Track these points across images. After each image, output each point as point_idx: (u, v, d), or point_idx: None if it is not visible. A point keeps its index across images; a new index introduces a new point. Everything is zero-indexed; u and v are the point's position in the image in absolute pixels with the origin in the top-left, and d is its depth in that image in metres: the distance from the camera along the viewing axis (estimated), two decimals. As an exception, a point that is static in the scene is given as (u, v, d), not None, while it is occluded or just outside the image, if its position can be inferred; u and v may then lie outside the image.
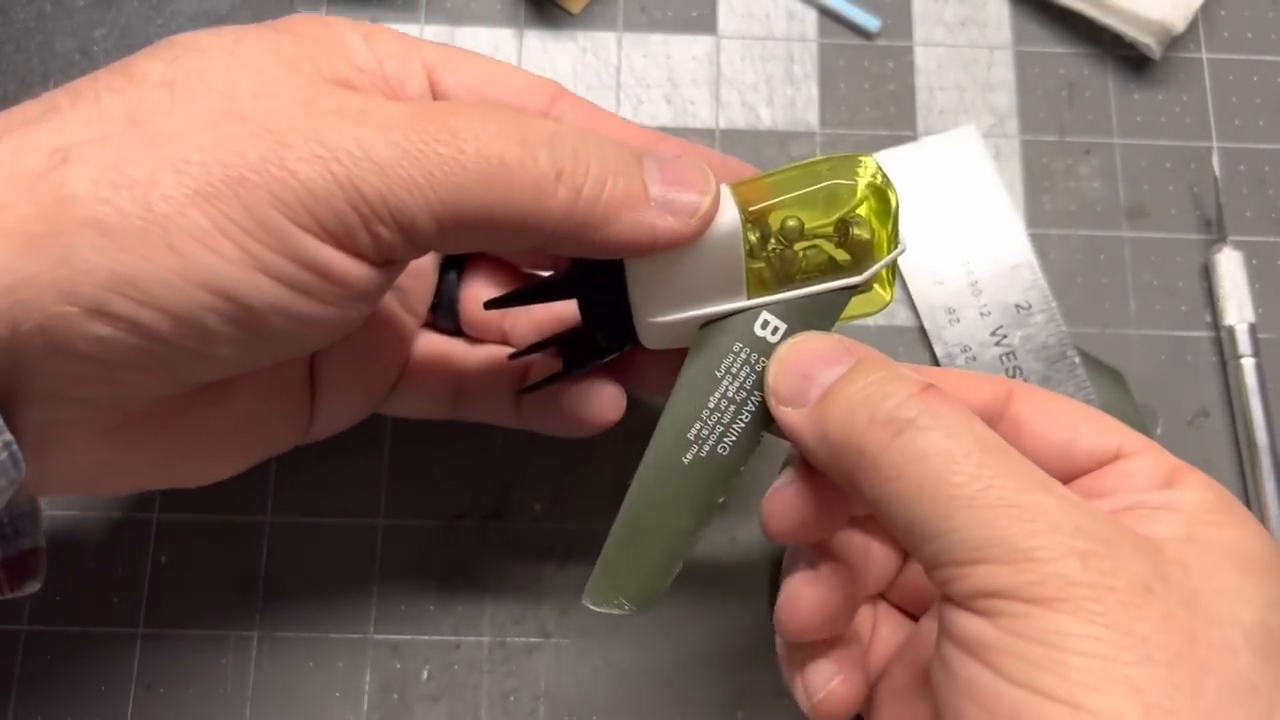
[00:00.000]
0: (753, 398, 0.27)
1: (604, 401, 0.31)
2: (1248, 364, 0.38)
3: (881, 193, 0.27)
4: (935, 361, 0.38)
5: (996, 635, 0.21)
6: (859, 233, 0.26)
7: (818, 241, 0.27)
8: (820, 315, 0.27)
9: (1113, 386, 0.38)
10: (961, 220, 0.39)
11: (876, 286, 0.27)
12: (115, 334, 0.22)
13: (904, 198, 0.39)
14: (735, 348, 0.27)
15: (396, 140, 0.23)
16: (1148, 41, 0.41)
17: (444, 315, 0.34)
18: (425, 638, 0.35)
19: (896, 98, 0.41)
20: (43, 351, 0.22)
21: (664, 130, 0.38)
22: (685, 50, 0.42)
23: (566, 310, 0.30)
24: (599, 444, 0.34)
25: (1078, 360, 0.37)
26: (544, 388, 0.31)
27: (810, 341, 0.26)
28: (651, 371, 0.31)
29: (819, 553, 0.28)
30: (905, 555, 0.31)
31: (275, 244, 0.23)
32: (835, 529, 0.27)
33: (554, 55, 0.41)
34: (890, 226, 0.27)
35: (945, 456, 0.22)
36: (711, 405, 0.27)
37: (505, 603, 0.36)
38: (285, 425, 0.30)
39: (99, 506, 0.36)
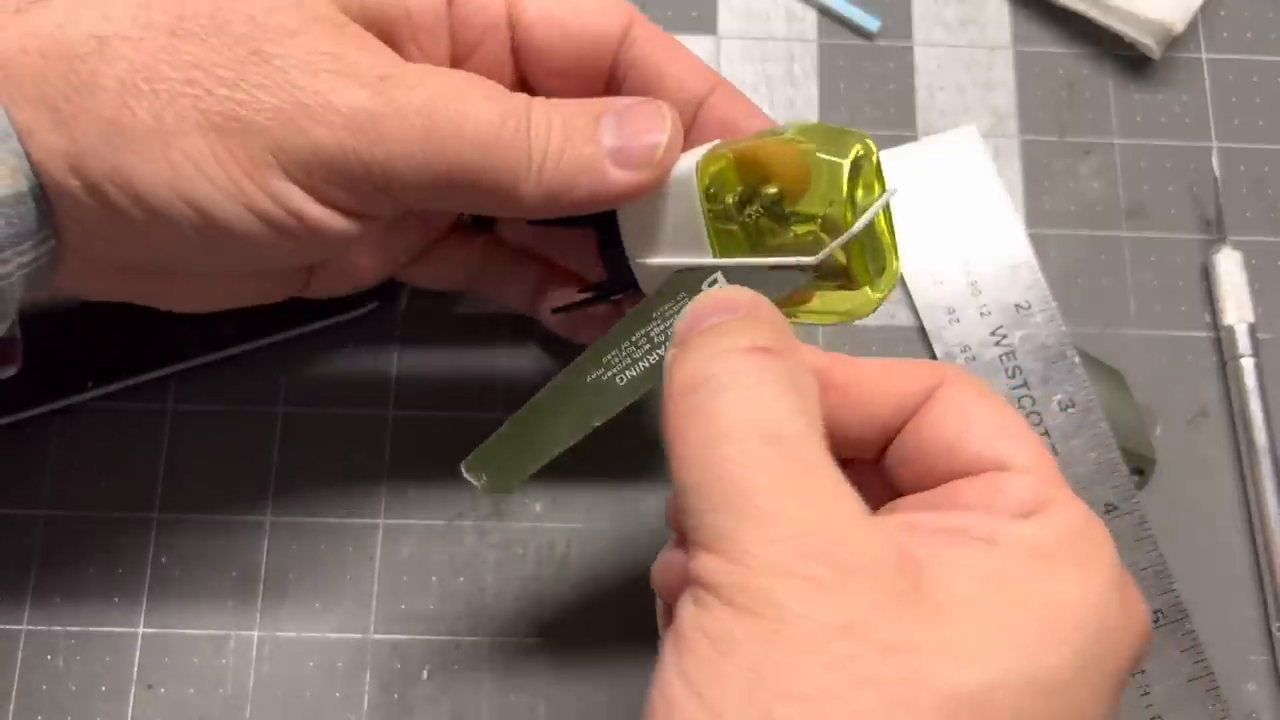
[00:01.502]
0: (667, 344, 0.27)
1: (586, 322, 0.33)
2: (1247, 364, 0.38)
3: (855, 175, 0.26)
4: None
5: (688, 626, 0.20)
6: (833, 213, 0.26)
7: (812, 224, 0.26)
8: (769, 289, 0.26)
9: (1112, 386, 0.38)
10: (961, 220, 0.39)
11: (867, 289, 0.26)
12: (102, 211, 0.24)
13: (904, 198, 0.40)
14: (680, 296, 0.27)
15: (412, 120, 0.25)
16: (1147, 41, 0.41)
17: (480, 220, 0.35)
18: (425, 638, 0.35)
19: (896, 98, 0.41)
20: (44, 200, 0.24)
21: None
22: (685, 50, 0.42)
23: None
24: (600, 444, 0.34)
25: (1077, 360, 0.37)
26: (572, 310, 0.33)
27: (721, 291, 0.26)
28: None
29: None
30: None
31: (264, 186, 0.24)
32: None
33: (554, 55, 0.41)
34: (852, 212, 0.26)
35: (725, 427, 0.21)
36: (633, 339, 0.28)
37: (505, 603, 0.36)
38: (273, 291, 0.31)
39: (99, 506, 0.36)
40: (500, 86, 0.26)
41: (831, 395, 0.25)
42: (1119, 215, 0.40)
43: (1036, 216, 0.40)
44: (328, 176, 0.25)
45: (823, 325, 0.28)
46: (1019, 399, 0.37)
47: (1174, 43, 0.41)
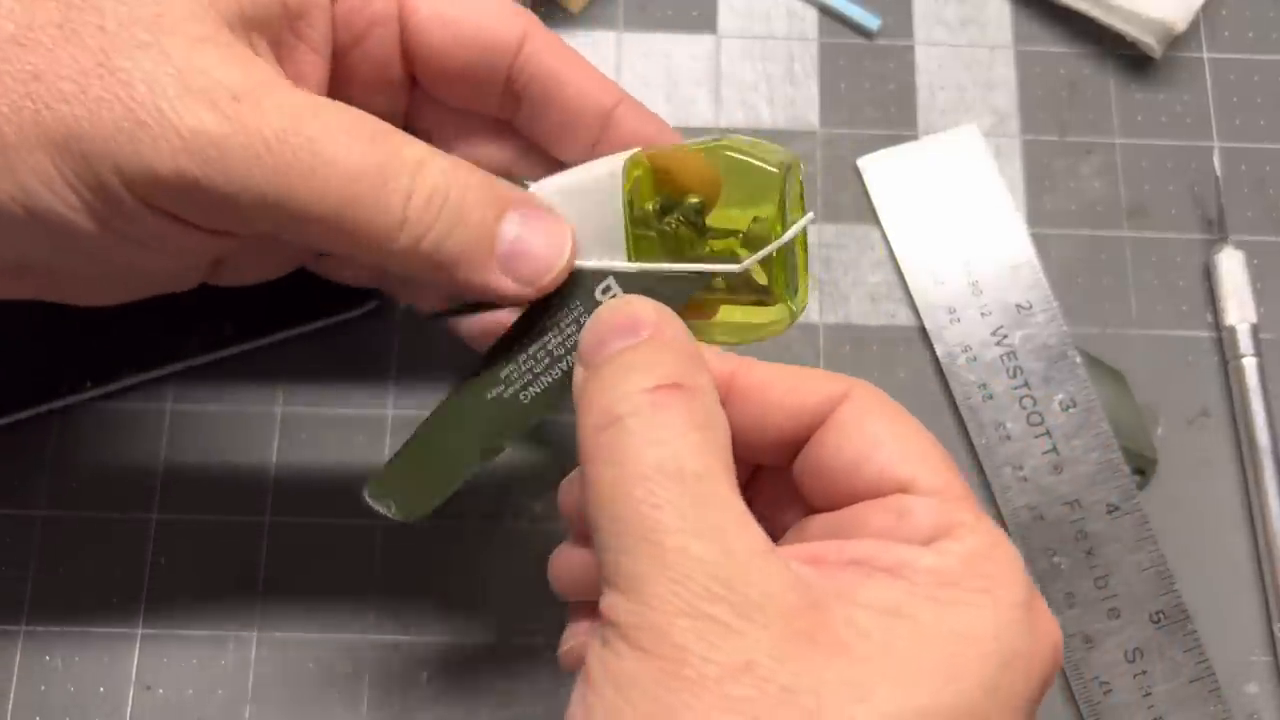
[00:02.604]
0: (570, 357, 0.26)
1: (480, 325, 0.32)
2: (1249, 364, 0.38)
3: (797, 197, 0.26)
4: (936, 362, 0.38)
5: (593, 659, 0.20)
6: (756, 228, 0.25)
7: (730, 240, 0.26)
8: (669, 297, 0.25)
9: (1113, 386, 0.38)
10: (962, 220, 0.39)
11: (781, 304, 0.26)
12: None
13: (904, 198, 0.40)
14: (573, 304, 0.26)
15: (260, 152, 0.23)
16: (1149, 41, 0.40)
17: None
18: (425, 638, 0.35)
19: (897, 97, 0.41)
20: None
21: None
22: (685, 49, 0.42)
23: None
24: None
25: (1079, 360, 0.37)
26: (454, 316, 0.31)
27: (626, 305, 0.24)
28: None
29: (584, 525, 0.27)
30: None
31: (114, 203, 0.23)
32: None
33: (554, 54, 0.41)
34: (780, 226, 0.25)
35: (633, 469, 0.21)
36: (530, 352, 0.27)
37: (505, 603, 0.36)
38: (174, 282, 0.30)
39: (98, 506, 0.36)
40: (392, 131, 0.25)
41: (734, 402, 0.25)
42: (1120, 215, 0.40)
43: (1038, 216, 0.40)
44: (170, 199, 0.23)
45: (737, 343, 0.27)
46: (1020, 399, 0.37)
47: (1175, 42, 0.41)
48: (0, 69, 0.23)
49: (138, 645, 0.35)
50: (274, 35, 0.26)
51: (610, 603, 0.21)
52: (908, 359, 0.38)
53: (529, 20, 0.29)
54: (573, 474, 0.26)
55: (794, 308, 0.26)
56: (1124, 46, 0.42)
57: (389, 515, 0.27)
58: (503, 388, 0.27)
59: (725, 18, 0.42)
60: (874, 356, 0.39)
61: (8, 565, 0.35)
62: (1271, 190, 0.41)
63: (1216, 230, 0.40)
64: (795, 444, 0.25)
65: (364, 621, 0.35)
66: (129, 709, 0.34)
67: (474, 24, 0.28)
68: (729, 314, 0.27)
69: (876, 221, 0.40)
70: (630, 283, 0.26)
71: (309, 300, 0.37)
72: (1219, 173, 0.40)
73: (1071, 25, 0.42)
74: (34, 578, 0.35)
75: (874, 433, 0.24)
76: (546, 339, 0.26)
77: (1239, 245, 0.39)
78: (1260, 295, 0.39)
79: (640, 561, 0.20)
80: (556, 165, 0.30)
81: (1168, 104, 0.41)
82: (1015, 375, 0.37)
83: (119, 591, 0.35)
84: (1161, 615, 0.35)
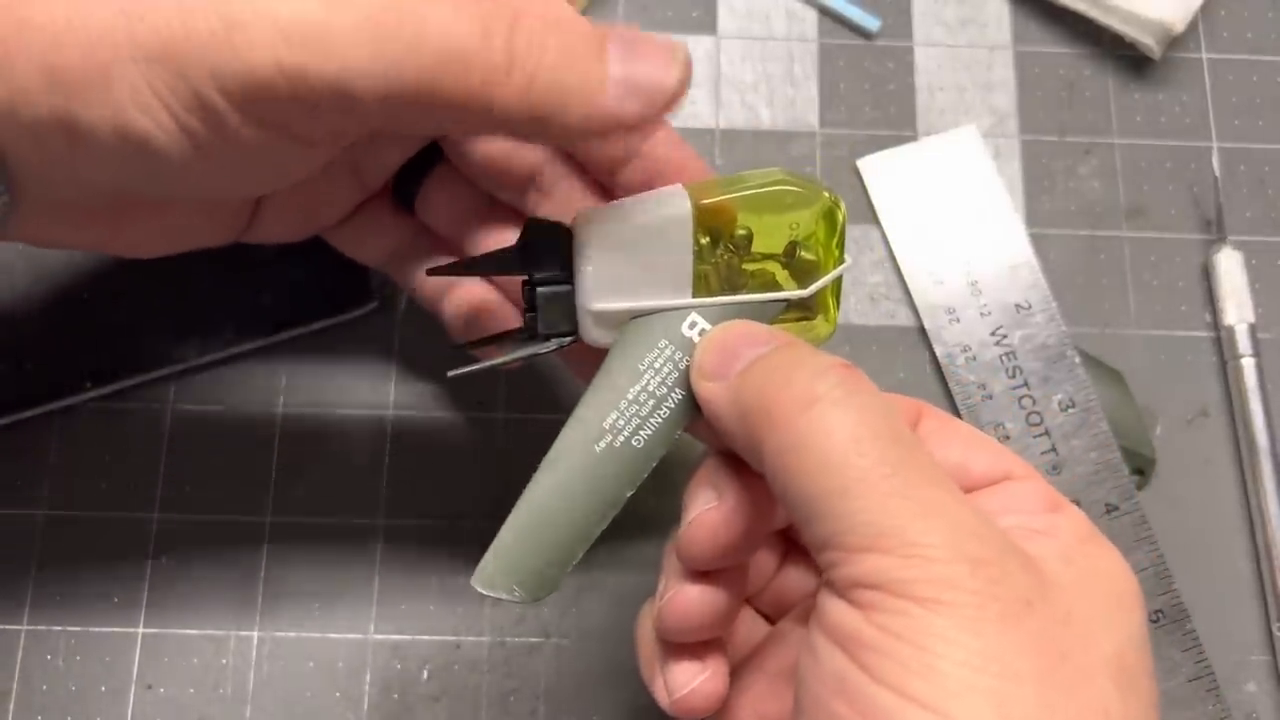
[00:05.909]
0: (673, 394, 0.27)
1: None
2: (1247, 364, 0.38)
3: (831, 215, 0.27)
4: (936, 362, 0.38)
5: (870, 631, 0.20)
6: (806, 254, 0.27)
7: (766, 263, 0.27)
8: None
9: (1113, 386, 0.38)
10: (961, 220, 0.39)
11: (820, 316, 0.28)
12: (45, 156, 0.24)
13: (904, 198, 0.40)
14: (661, 344, 0.27)
15: (358, 22, 0.22)
16: (1148, 41, 0.41)
17: (402, 194, 0.33)
18: (425, 638, 0.35)
19: (896, 98, 0.41)
20: None
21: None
22: (685, 50, 0.42)
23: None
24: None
25: (1077, 360, 0.37)
26: (474, 370, 0.30)
27: (742, 325, 0.26)
28: (588, 370, 0.30)
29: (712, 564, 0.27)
30: (781, 561, 0.31)
31: (210, 119, 0.23)
32: (753, 553, 0.27)
33: (554, 55, 0.41)
34: (837, 249, 0.27)
35: (853, 436, 0.22)
36: (630, 397, 0.27)
37: (505, 603, 0.36)
38: (218, 233, 0.31)
39: (99, 506, 0.36)
40: None
41: None
42: (1119, 215, 0.40)
43: (1036, 216, 0.40)
44: (272, 103, 0.23)
45: None
46: (1019, 399, 0.37)
47: (1174, 43, 0.41)
48: None
49: (139, 644, 0.35)
50: None
51: (868, 564, 0.21)
52: (907, 359, 0.39)
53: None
54: (699, 517, 0.26)
55: (829, 324, 0.28)
56: (1123, 47, 0.42)
57: (513, 599, 0.27)
58: (611, 438, 0.26)
59: (725, 18, 0.42)
60: (873, 356, 0.39)
61: (8, 565, 0.35)
62: (1270, 190, 0.41)
63: (1215, 230, 0.40)
64: None
65: (364, 621, 0.35)
66: (130, 708, 0.34)
67: None
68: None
69: (876, 222, 0.40)
70: (714, 317, 0.27)
71: (309, 300, 0.37)
72: (1217, 173, 0.40)
73: (1070, 26, 0.42)
74: (35, 577, 0.35)
75: (964, 438, 0.26)
76: (645, 381, 0.27)
77: (1237, 245, 0.39)
78: (1259, 295, 0.39)
79: (903, 518, 0.21)
80: (588, 173, 0.30)
81: (1166, 104, 0.41)
82: (1014, 375, 0.37)
83: (120, 591, 0.35)
84: (1160, 614, 0.35)
